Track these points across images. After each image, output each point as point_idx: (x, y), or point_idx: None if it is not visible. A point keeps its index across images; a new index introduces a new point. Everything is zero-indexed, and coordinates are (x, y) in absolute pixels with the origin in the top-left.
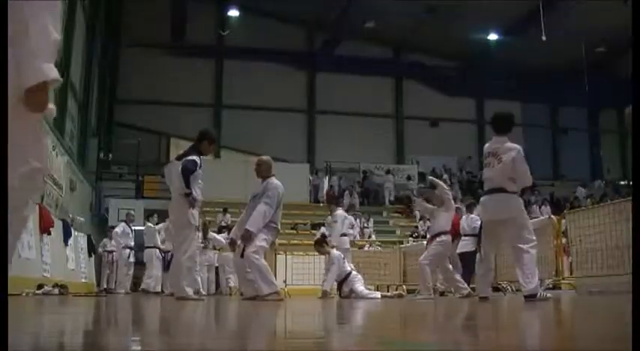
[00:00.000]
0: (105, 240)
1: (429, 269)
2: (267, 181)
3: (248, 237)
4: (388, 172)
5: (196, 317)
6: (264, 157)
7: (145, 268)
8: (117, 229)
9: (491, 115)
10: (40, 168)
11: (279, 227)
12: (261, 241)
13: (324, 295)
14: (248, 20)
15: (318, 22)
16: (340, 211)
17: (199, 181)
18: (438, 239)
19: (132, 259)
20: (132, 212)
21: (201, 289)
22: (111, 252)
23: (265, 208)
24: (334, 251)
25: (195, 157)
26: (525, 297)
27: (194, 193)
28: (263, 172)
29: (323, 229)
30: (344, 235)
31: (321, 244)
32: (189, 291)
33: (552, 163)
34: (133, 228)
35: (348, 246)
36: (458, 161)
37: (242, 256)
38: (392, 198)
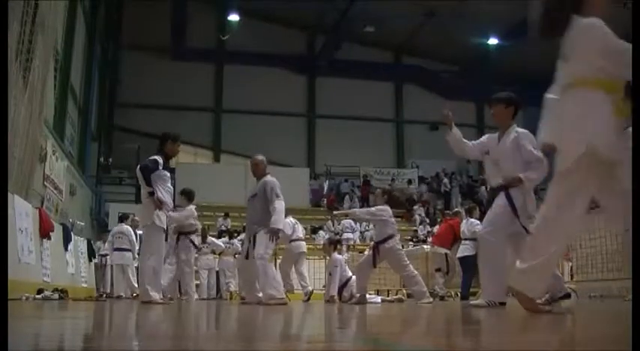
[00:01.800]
0: (99, 243)
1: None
2: (264, 180)
3: (277, 234)
4: (410, 182)
5: (195, 321)
6: (260, 157)
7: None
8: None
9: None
10: None
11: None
12: (267, 247)
13: (331, 299)
14: (248, 24)
15: (318, 26)
16: (290, 220)
17: (168, 185)
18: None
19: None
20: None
21: (180, 293)
22: (104, 255)
23: (282, 204)
24: (336, 255)
25: (156, 157)
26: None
27: (158, 193)
28: (260, 171)
29: (322, 233)
30: (295, 240)
31: (331, 246)
32: (155, 295)
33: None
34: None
35: (302, 250)
36: (457, 165)
37: (247, 257)
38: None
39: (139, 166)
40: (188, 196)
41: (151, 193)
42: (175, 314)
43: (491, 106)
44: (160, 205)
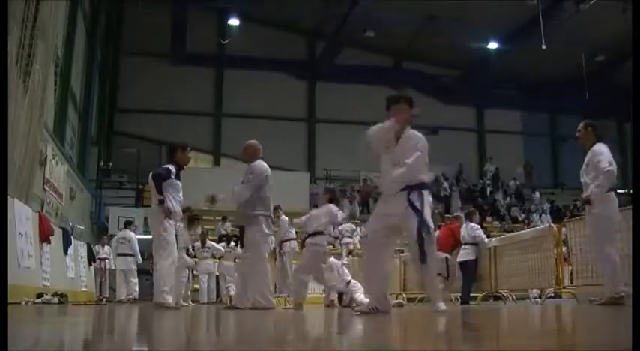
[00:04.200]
0: (97, 246)
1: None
2: (252, 164)
3: (213, 199)
4: None
5: (196, 326)
6: (251, 141)
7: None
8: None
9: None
10: None
11: (272, 214)
12: (261, 249)
13: (331, 304)
14: (248, 29)
15: (318, 31)
16: (283, 217)
17: (179, 195)
18: (311, 241)
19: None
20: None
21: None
22: (103, 259)
23: (241, 189)
24: (332, 259)
25: (170, 166)
26: None
27: (168, 202)
28: (248, 155)
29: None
30: (287, 240)
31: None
32: (169, 299)
33: (552, 172)
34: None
35: (294, 249)
36: (458, 169)
37: (242, 244)
38: None
39: (151, 174)
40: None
41: (161, 202)
42: (176, 319)
43: (393, 103)
44: (168, 214)
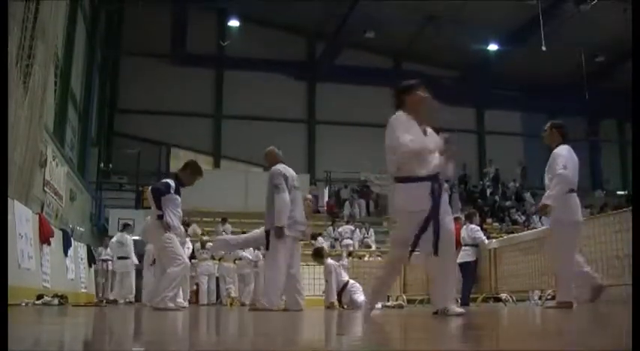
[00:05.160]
0: (100, 248)
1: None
2: (270, 170)
3: (281, 233)
4: None
5: (197, 327)
6: (269, 148)
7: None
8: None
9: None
10: None
11: (297, 216)
12: (278, 251)
13: (331, 305)
14: (248, 30)
15: (318, 32)
16: None
17: (178, 210)
18: None
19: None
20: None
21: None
22: (105, 261)
23: (280, 196)
24: (329, 261)
25: (170, 181)
26: None
27: (167, 218)
28: (269, 162)
29: (321, 240)
30: None
31: (319, 255)
32: (171, 305)
33: None
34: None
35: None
36: (462, 170)
37: (267, 248)
38: None
39: (150, 188)
40: None
41: (160, 217)
42: (176, 320)
43: (414, 91)
44: (168, 228)
